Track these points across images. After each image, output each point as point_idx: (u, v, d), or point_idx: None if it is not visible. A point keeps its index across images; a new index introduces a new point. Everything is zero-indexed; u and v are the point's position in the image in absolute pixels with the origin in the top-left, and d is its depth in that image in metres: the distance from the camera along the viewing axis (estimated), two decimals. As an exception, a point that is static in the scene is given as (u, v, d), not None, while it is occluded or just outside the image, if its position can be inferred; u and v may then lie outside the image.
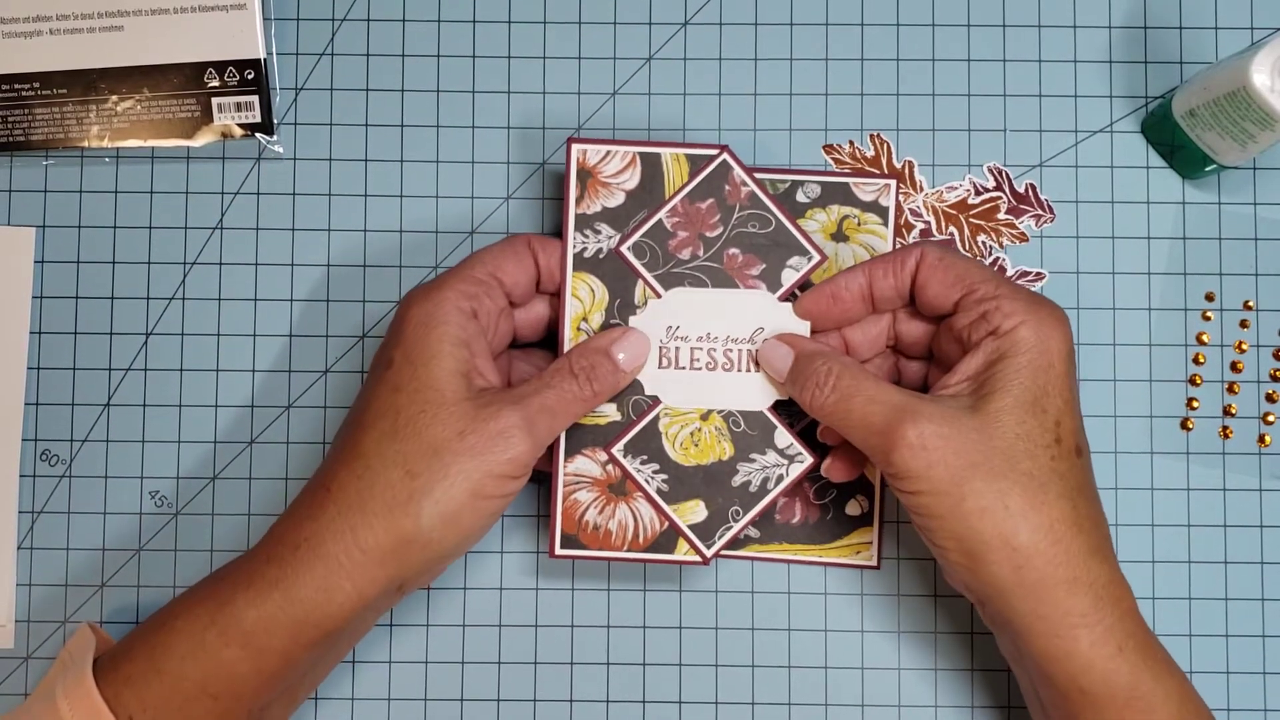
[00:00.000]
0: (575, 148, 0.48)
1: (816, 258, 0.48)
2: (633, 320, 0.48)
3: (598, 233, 0.48)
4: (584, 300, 0.48)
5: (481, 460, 0.42)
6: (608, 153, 0.48)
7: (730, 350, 0.48)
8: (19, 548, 0.51)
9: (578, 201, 0.48)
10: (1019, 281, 0.52)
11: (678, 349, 0.48)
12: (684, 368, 0.48)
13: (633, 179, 0.48)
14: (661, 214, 0.48)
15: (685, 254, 0.48)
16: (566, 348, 0.48)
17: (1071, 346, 0.44)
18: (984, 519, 0.41)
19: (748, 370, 0.48)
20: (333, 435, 0.52)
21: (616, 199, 0.48)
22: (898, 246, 0.51)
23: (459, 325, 0.44)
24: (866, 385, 0.44)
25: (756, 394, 0.48)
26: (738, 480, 0.48)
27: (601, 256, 0.48)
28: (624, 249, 0.48)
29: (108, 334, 0.52)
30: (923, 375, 0.49)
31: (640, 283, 0.48)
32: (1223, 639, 0.51)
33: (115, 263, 0.52)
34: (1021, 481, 0.42)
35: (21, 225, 0.52)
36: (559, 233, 0.51)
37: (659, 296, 0.48)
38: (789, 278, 0.48)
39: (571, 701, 0.51)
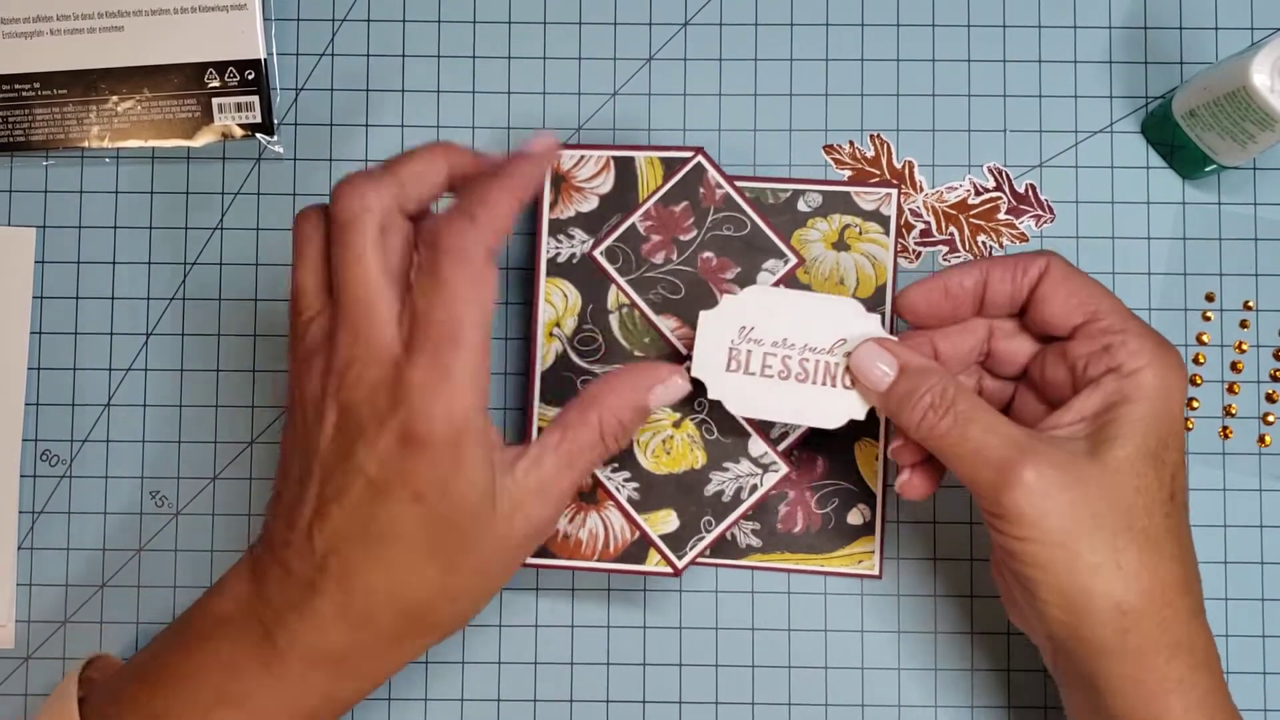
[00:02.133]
0: None
1: (793, 260, 0.48)
2: (704, 315, 0.45)
3: (571, 238, 0.48)
4: (557, 306, 0.48)
5: (515, 563, 0.41)
6: (581, 157, 0.48)
7: (807, 360, 0.44)
8: (19, 548, 0.51)
9: (551, 206, 0.48)
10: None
11: (749, 352, 0.44)
12: (754, 373, 0.44)
13: (606, 183, 0.48)
14: (635, 218, 0.48)
15: (659, 258, 0.48)
16: (538, 353, 0.47)
17: (1186, 392, 0.42)
18: (1096, 577, 0.39)
19: (825, 384, 0.44)
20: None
21: (590, 203, 0.48)
22: (896, 250, 0.51)
23: (485, 428, 0.39)
24: (983, 413, 0.41)
25: (830, 411, 0.44)
26: (710, 489, 0.48)
27: (574, 261, 0.48)
28: (597, 253, 0.48)
29: (108, 334, 0.52)
30: (1008, 397, 0.46)
31: (613, 287, 0.48)
32: (1223, 639, 0.51)
33: (115, 263, 0.52)
34: (1138, 540, 0.39)
35: (22, 225, 0.52)
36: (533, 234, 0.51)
37: (734, 293, 0.45)
38: (764, 281, 0.48)
39: (572, 702, 0.51)
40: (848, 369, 0.44)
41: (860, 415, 0.44)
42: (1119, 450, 0.40)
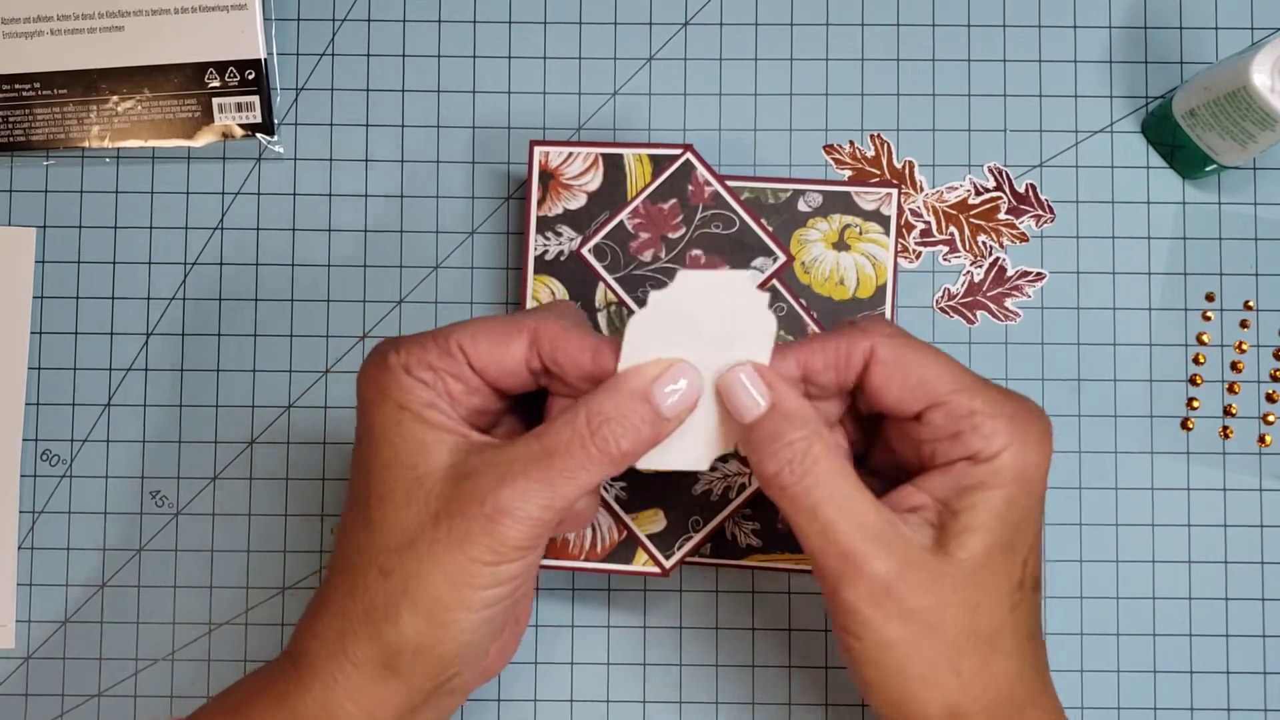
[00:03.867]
0: (538, 150, 0.48)
1: (781, 258, 0.47)
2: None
3: (559, 235, 0.48)
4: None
5: (462, 550, 0.35)
6: (570, 154, 0.48)
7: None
8: (19, 548, 0.51)
9: (539, 204, 0.48)
10: (1019, 282, 0.52)
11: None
12: None
13: (595, 180, 0.48)
14: (623, 215, 0.47)
15: (647, 255, 0.47)
16: None
17: (1050, 459, 0.38)
18: (928, 688, 0.37)
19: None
20: (333, 436, 0.52)
21: (578, 201, 0.48)
22: (896, 250, 0.51)
23: (415, 390, 0.37)
24: (842, 484, 0.36)
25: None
26: (698, 489, 0.47)
27: (562, 259, 0.48)
28: (585, 251, 0.47)
29: (108, 334, 0.52)
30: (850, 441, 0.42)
31: (601, 285, 0.48)
32: (1223, 639, 0.51)
33: (115, 263, 0.52)
34: (980, 645, 0.37)
35: (22, 225, 0.52)
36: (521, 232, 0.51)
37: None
38: (752, 280, 0.47)
39: (571, 702, 0.51)
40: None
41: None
42: (972, 546, 0.37)
